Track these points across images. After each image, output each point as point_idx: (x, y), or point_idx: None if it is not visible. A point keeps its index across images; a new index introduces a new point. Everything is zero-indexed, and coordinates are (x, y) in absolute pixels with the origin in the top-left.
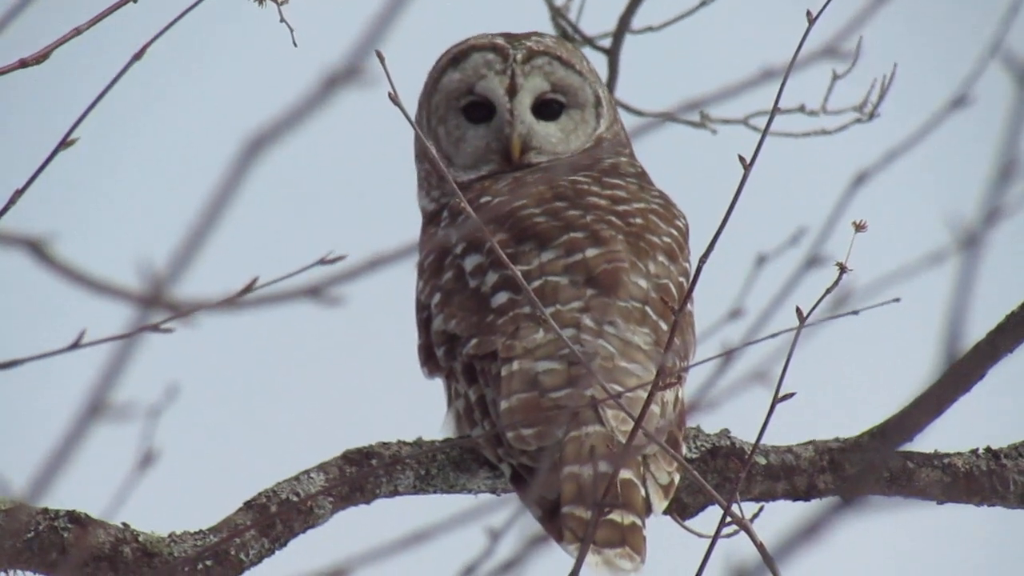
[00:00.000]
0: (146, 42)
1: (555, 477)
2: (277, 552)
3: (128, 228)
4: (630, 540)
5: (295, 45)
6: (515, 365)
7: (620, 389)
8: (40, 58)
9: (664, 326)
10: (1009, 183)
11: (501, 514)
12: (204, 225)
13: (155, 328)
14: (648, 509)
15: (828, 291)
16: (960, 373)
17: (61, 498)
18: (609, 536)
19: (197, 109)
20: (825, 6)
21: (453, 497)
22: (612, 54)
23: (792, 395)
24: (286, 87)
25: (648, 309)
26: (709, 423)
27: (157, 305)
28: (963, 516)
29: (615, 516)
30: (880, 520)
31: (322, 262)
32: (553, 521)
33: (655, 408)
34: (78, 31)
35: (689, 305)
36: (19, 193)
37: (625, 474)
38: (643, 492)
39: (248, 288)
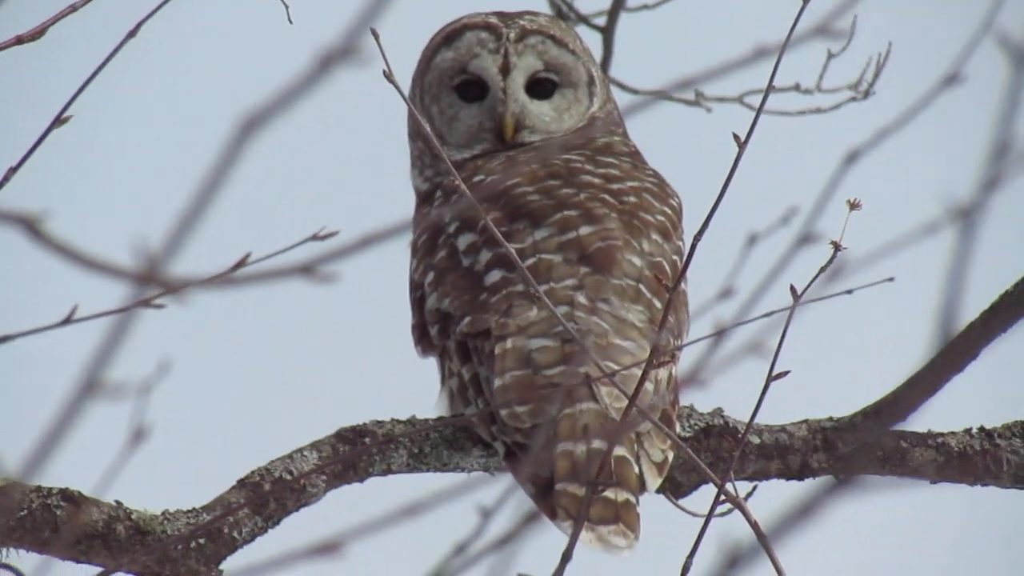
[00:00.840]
0: (140, 19)
1: (549, 454)
2: (270, 530)
3: (122, 206)
4: (624, 517)
5: (290, 22)
6: (509, 343)
7: (614, 367)
8: (36, 35)
9: (658, 304)
10: (1004, 163)
11: (493, 492)
12: (198, 204)
13: (147, 304)
14: (642, 486)
15: (822, 269)
16: (954, 353)
17: (54, 476)
18: (603, 513)
19: (192, 87)
20: None
21: (446, 475)
22: (607, 32)
23: (786, 373)
24: (282, 64)
25: (642, 287)
26: (702, 402)
27: (151, 282)
28: (957, 496)
29: (609, 493)
30: (874, 499)
31: (315, 238)
32: (547, 499)
33: (649, 386)
34: (74, 8)
35: (683, 284)
36: (13, 170)
37: (619, 451)
38: (637, 469)
39: (240, 263)
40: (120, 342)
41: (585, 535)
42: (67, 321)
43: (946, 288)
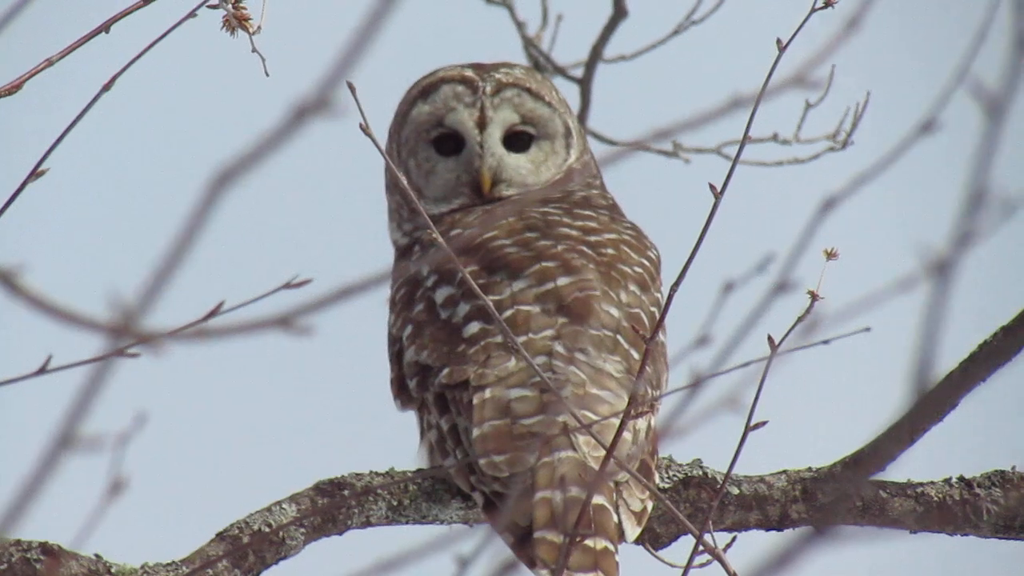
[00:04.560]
0: (115, 73)
1: (527, 503)
2: None
3: (98, 259)
4: (602, 565)
5: (267, 75)
6: (487, 393)
7: (592, 416)
8: (12, 89)
9: (636, 355)
10: (979, 212)
11: (471, 543)
12: (173, 257)
13: (121, 353)
14: (621, 535)
15: (800, 319)
16: (933, 402)
17: (32, 529)
18: (582, 561)
19: (167, 138)
20: (795, 35)
21: (426, 528)
22: (584, 83)
23: (764, 423)
24: (258, 115)
25: (619, 338)
26: (681, 452)
27: (126, 335)
28: (936, 546)
29: (588, 541)
30: (853, 549)
31: (288, 286)
32: (525, 548)
33: (627, 435)
34: (50, 62)
35: (661, 335)
36: None
37: (598, 499)
38: (616, 518)
39: (214, 312)
40: (96, 394)
41: None
42: (42, 371)
43: (922, 338)
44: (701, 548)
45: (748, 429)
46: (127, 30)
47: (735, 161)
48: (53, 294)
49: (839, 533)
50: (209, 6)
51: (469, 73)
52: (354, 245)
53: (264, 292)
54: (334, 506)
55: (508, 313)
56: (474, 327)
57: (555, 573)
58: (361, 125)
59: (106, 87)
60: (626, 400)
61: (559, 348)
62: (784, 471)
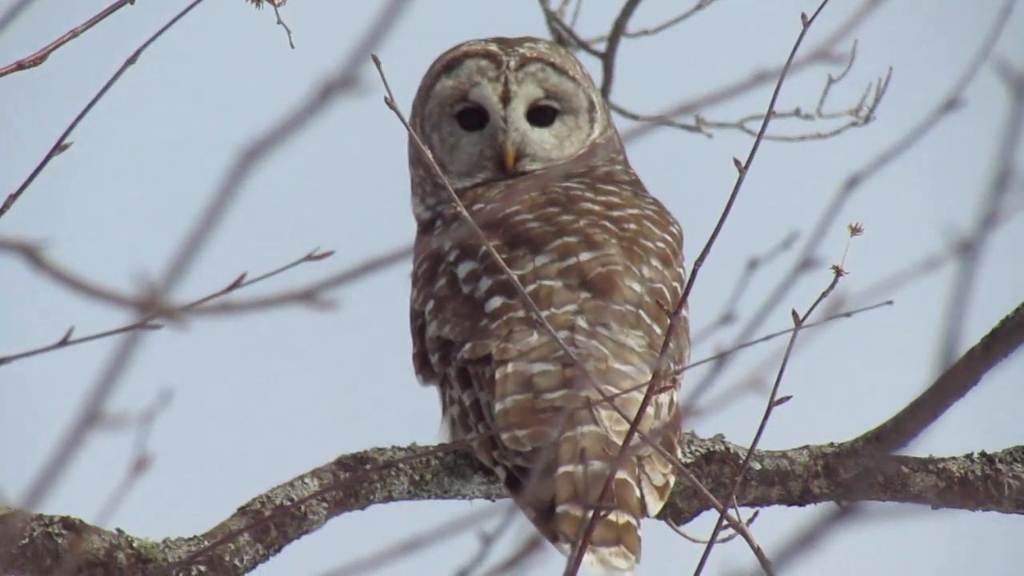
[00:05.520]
0: (140, 46)
1: (550, 478)
2: (271, 558)
3: (123, 233)
4: (625, 539)
5: (292, 47)
6: (510, 367)
7: (614, 391)
8: (37, 60)
9: (658, 330)
10: (1005, 191)
11: (495, 519)
12: (198, 233)
13: (144, 325)
14: (643, 509)
15: (824, 294)
16: (955, 378)
17: (56, 504)
18: (604, 535)
19: (193, 113)
20: (820, 9)
21: (447, 502)
22: (607, 58)
23: (788, 399)
24: (283, 90)
25: (642, 313)
26: (703, 428)
27: (151, 310)
28: (958, 521)
29: (610, 516)
30: (875, 525)
31: (310, 258)
32: (548, 522)
33: (649, 410)
34: (75, 33)
35: (684, 310)
36: (13, 197)
37: (620, 474)
38: (638, 492)
39: (236, 284)
40: (121, 371)
41: (586, 557)
42: (63, 343)
43: (947, 314)
44: (725, 523)
45: (772, 404)
46: (153, 1)
47: (759, 136)
48: (77, 269)
49: (861, 509)
50: None
51: (493, 48)
52: (377, 219)
53: (285, 264)
54: (356, 481)
55: (531, 288)
56: (496, 302)
57: (578, 548)
58: (386, 99)
59: (131, 60)
60: (648, 375)
61: (581, 323)
62: (806, 446)
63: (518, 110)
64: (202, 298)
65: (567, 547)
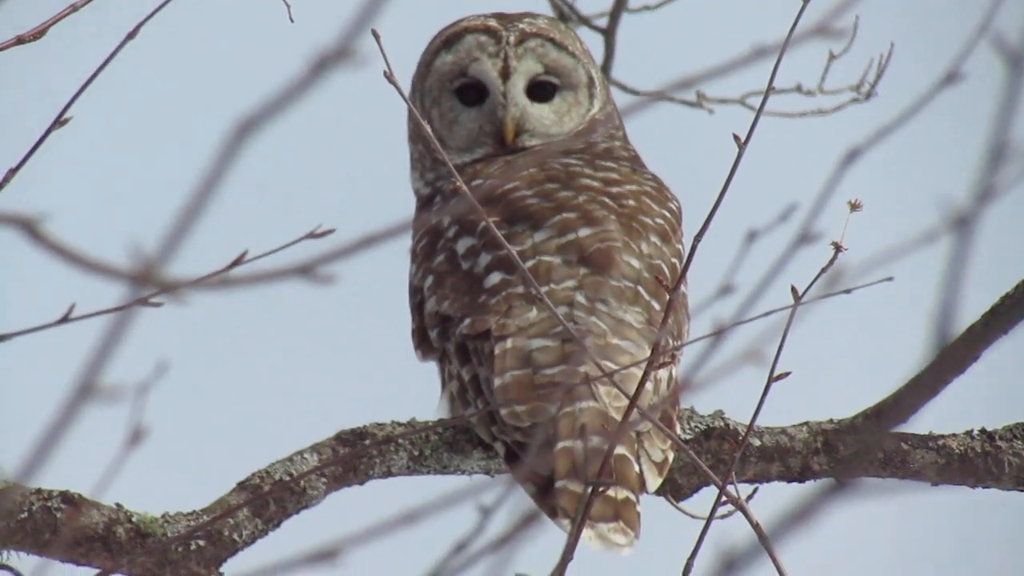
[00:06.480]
0: (140, 21)
1: (548, 453)
2: (270, 533)
3: (120, 207)
4: (624, 515)
5: (292, 21)
6: (508, 343)
7: (613, 367)
8: (36, 35)
9: (657, 306)
10: (1001, 165)
11: (493, 493)
12: (195, 206)
13: (144, 302)
14: (642, 485)
15: (823, 270)
16: (955, 355)
17: (53, 478)
18: (603, 511)
19: (191, 87)
20: None
21: (447, 478)
22: (608, 33)
23: (787, 375)
24: (283, 64)
25: (640, 289)
26: (703, 404)
27: (148, 283)
28: (958, 498)
29: (609, 491)
30: (875, 501)
31: (311, 236)
32: (546, 498)
33: (648, 386)
34: (74, 8)
35: (683, 287)
36: (13, 172)
37: (619, 450)
38: (637, 468)
39: (237, 261)
40: (117, 343)
41: (585, 533)
42: (64, 320)
43: (944, 290)
44: (724, 499)
45: (771, 380)
46: None
47: (759, 112)
48: (75, 243)
49: (860, 485)
50: None
51: (493, 23)
52: (376, 194)
53: (287, 242)
54: (355, 456)
55: (530, 263)
56: (495, 277)
57: (576, 524)
58: (385, 73)
59: (131, 35)
60: (647, 351)
61: (580, 299)
62: (806, 423)
63: (518, 85)
64: (202, 275)
65: (566, 522)
